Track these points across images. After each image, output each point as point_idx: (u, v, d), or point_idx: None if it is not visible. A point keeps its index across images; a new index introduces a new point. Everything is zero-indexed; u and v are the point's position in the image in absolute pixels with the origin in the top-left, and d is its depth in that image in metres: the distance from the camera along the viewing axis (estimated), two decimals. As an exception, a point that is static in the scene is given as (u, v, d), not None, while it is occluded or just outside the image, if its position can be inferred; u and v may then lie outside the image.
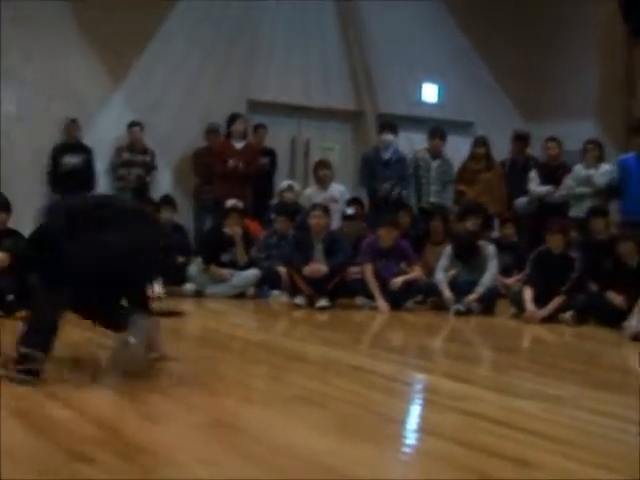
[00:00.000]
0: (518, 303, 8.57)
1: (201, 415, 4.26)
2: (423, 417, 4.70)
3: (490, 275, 8.87)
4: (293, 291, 8.94)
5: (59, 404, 4.29)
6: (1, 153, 10.27)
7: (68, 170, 10.45)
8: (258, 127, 11.46)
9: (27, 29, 10.53)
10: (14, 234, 7.78)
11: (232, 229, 9.42)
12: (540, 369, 6.02)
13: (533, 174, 10.51)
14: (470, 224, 9.54)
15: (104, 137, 10.90)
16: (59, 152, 10.51)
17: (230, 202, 9.98)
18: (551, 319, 8.29)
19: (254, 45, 11.93)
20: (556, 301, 8.35)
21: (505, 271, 9.62)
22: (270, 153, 11.48)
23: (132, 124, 10.73)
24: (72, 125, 10.58)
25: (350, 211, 9.90)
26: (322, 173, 10.53)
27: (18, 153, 10.43)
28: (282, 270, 9.24)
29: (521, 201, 10.67)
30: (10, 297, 7.13)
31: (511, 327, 8.33)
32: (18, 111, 10.49)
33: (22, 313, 7.00)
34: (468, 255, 8.96)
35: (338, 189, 10.60)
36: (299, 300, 8.79)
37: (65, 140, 10.61)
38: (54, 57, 10.74)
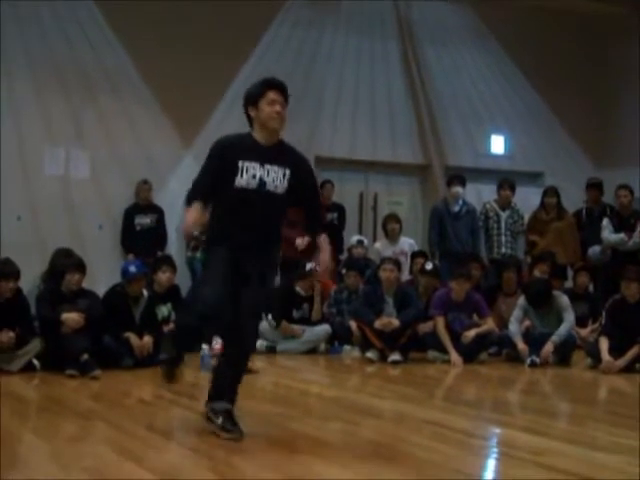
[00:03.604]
0: (594, 354, 8.40)
1: (276, 473, 4.22)
2: (502, 473, 4.60)
3: (567, 325, 8.69)
4: (365, 346, 8.89)
5: (134, 463, 4.30)
6: (75, 215, 10.51)
7: (140, 231, 10.63)
8: (325, 183, 11.49)
9: (100, 95, 10.80)
10: (89, 294, 7.90)
11: (308, 285, 9.47)
12: (620, 421, 5.86)
13: (606, 222, 10.36)
14: (538, 271, 9.46)
15: (175, 197, 11.02)
16: (131, 213, 10.69)
17: (309, 265, 9.79)
18: (629, 369, 8.11)
19: (321, 102, 12.05)
20: (633, 351, 8.17)
21: (580, 321, 9.45)
22: (338, 208, 11.51)
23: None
24: (144, 186, 10.75)
25: (429, 266, 9.79)
26: (391, 227, 10.54)
27: (92, 215, 10.65)
28: (353, 325, 9.21)
29: (594, 250, 10.51)
30: (85, 357, 7.19)
31: (588, 378, 8.16)
32: (92, 174, 10.73)
33: (96, 372, 7.10)
34: (541, 302, 8.79)
35: (407, 242, 10.58)
36: (371, 354, 8.73)
37: (137, 201, 10.79)
38: (127, 121, 10.97)
